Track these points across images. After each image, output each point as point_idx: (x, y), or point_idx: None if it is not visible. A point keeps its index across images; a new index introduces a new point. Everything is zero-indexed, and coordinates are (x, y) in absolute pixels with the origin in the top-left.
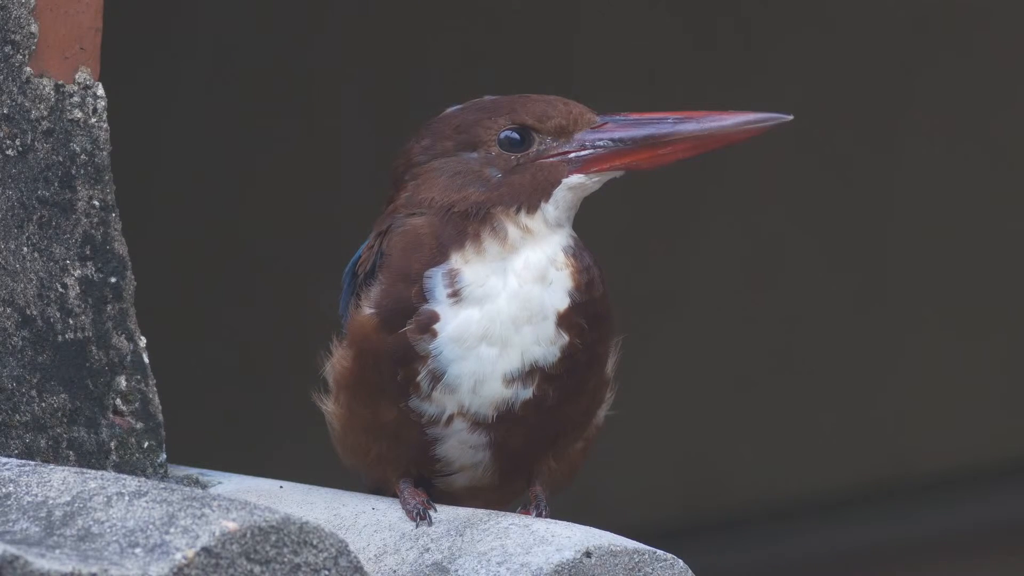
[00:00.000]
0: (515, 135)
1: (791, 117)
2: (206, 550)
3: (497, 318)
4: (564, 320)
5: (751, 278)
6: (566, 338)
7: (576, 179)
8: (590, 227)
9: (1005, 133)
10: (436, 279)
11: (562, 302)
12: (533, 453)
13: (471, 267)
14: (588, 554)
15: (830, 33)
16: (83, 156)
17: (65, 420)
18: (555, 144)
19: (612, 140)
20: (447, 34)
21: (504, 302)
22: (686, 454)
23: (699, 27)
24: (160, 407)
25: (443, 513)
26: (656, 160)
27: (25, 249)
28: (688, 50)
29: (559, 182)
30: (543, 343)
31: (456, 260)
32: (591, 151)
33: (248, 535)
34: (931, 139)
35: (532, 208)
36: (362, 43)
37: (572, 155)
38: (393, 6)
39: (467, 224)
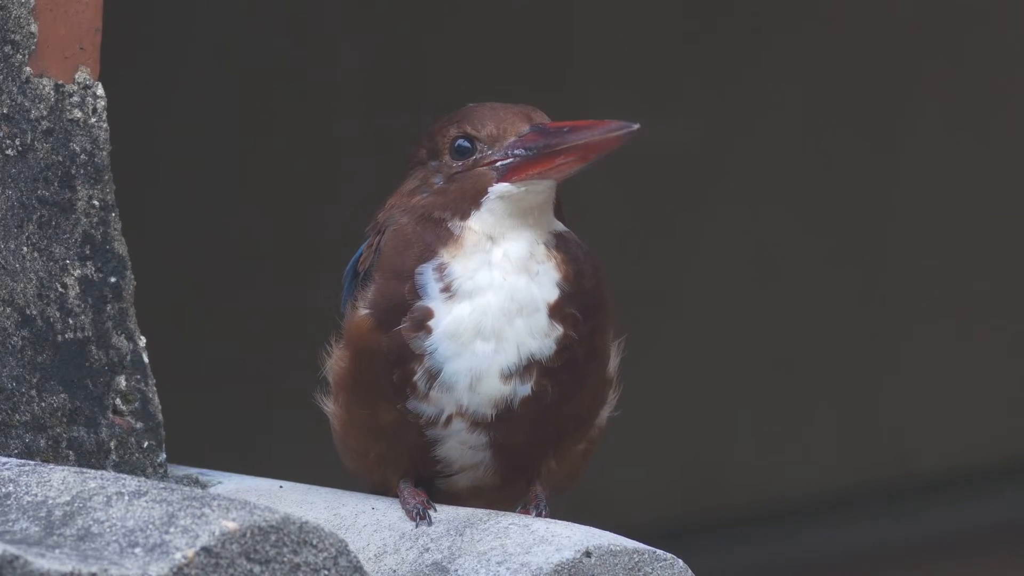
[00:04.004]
0: (465, 143)
1: (637, 126)
2: (206, 550)
3: (488, 311)
4: (556, 311)
5: (751, 277)
6: (560, 329)
7: (502, 188)
8: (590, 226)
9: (1005, 131)
10: (427, 274)
11: (551, 293)
12: (535, 453)
13: (458, 261)
14: (588, 554)
15: (830, 31)
16: (83, 156)
17: (65, 420)
18: (490, 152)
19: (526, 149)
20: (447, 34)
21: (492, 295)
22: (686, 454)
23: (699, 27)
24: (160, 407)
25: (443, 513)
26: (560, 169)
27: (25, 249)
28: (688, 50)
29: (486, 191)
30: (537, 335)
31: (444, 255)
32: (511, 160)
33: (248, 535)
34: (931, 138)
35: (464, 216)
36: (362, 42)
37: (499, 163)
38: (393, 6)
39: (434, 225)
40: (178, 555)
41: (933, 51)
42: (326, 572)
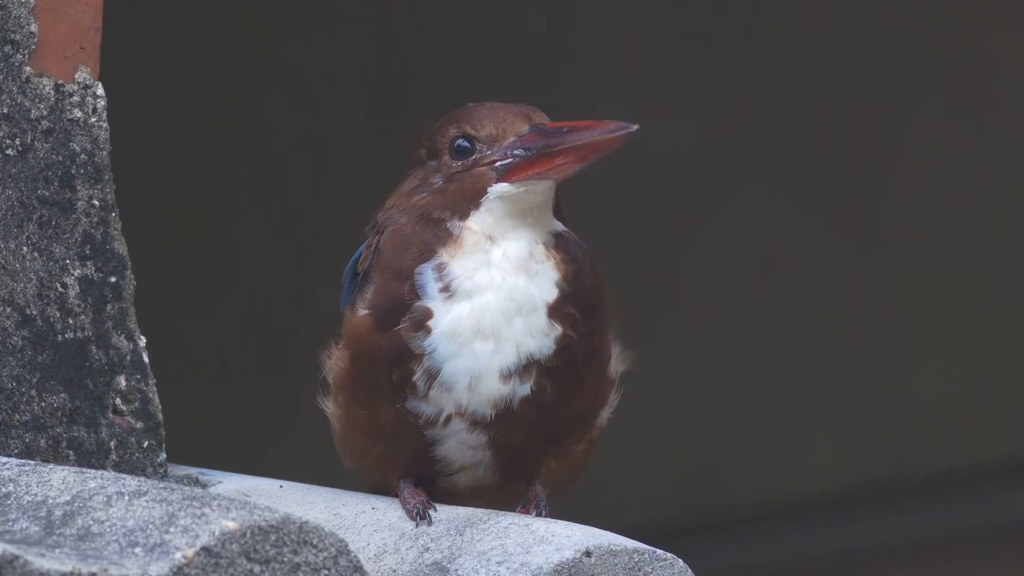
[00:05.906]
0: (465, 143)
1: (637, 127)
2: (206, 549)
3: (487, 311)
4: (555, 311)
5: (751, 277)
6: (559, 329)
7: (502, 188)
8: (591, 225)
9: (1006, 131)
10: (427, 274)
11: (550, 293)
12: (534, 453)
13: (458, 261)
14: (588, 553)
15: (831, 29)
16: (83, 156)
17: (65, 420)
18: (489, 152)
19: (525, 149)
20: (446, 33)
21: (491, 294)
22: (686, 454)
23: (699, 25)
24: (160, 407)
25: (443, 513)
26: (559, 169)
27: (25, 249)
28: (689, 49)
29: (485, 191)
30: (537, 335)
31: (443, 255)
32: (511, 160)
33: (248, 534)
34: (932, 136)
35: (464, 216)
36: (361, 42)
37: (498, 163)
38: (392, 5)
39: (433, 225)
40: (178, 555)
41: (933, 50)
42: (326, 572)
